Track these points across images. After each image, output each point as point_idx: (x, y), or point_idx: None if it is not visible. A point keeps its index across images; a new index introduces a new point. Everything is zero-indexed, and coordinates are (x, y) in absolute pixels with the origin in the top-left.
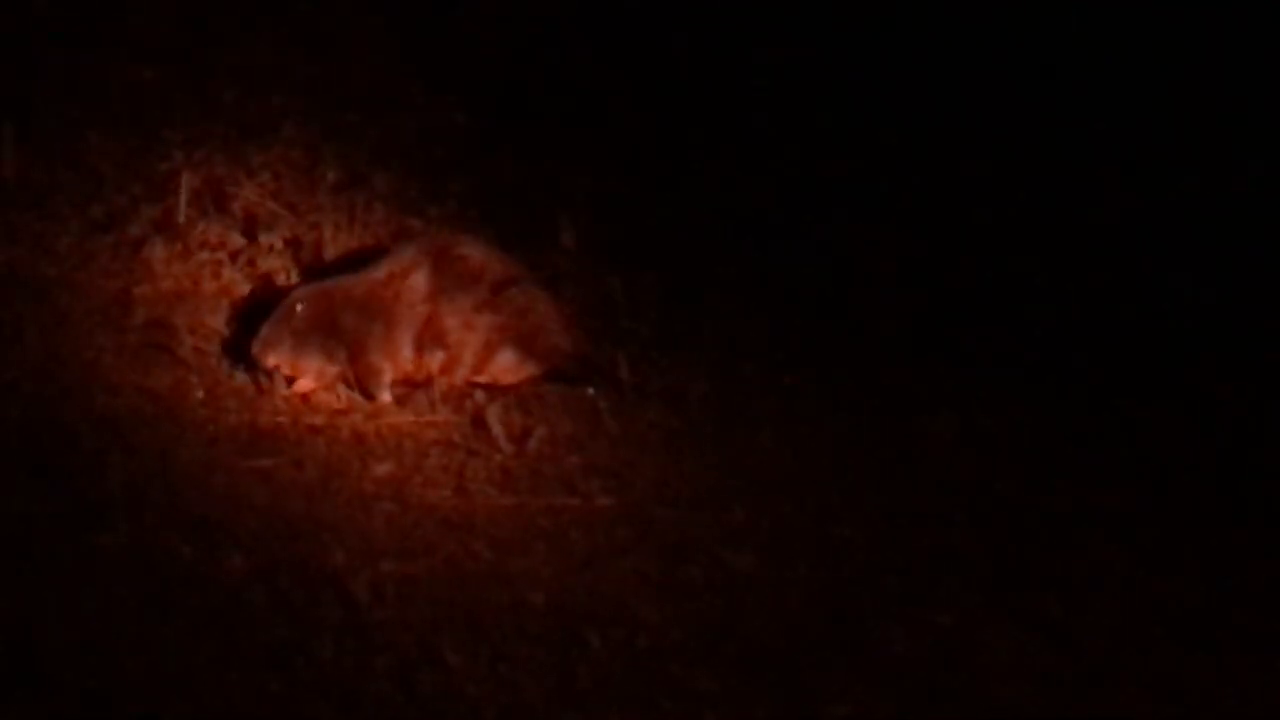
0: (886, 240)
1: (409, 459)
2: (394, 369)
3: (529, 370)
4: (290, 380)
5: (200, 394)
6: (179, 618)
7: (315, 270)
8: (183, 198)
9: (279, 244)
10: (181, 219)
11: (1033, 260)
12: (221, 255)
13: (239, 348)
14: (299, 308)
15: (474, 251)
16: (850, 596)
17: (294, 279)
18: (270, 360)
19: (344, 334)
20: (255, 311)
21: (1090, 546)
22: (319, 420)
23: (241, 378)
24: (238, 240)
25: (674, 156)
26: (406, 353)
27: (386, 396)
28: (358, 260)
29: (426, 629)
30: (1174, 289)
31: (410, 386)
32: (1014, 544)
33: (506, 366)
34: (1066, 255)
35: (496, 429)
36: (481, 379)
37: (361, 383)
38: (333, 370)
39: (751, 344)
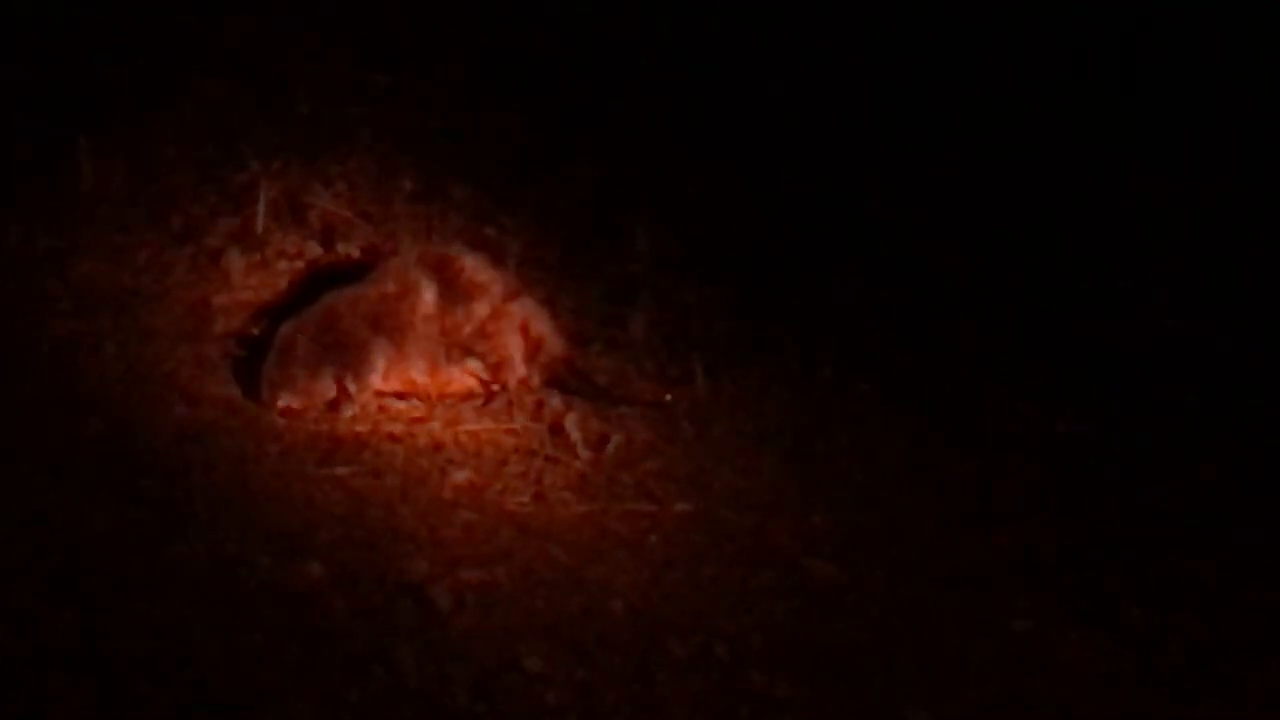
0: (961, 248)
1: (487, 466)
2: (403, 382)
3: (533, 380)
4: (301, 414)
5: (350, 412)
6: (258, 628)
7: (296, 287)
8: (260, 208)
9: (356, 253)
10: (259, 229)
11: (1109, 268)
12: (299, 265)
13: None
14: (300, 340)
15: (474, 265)
16: (928, 603)
17: None
18: (283, 402)
19: (353, 352)
20: None
21: (1171, 553)
22: (397, 428)
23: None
24: (315, 250)
25: (749, 165)
26: (422, 366)
27: (350, 411)
28: (335, 276)
29: (506, 637)
30: (1257, 294)
31: (422, 399)
32: (1092, 550)
33: (514, 377)
34: (1143, 265)
35: (574, 436)
36: (493, 389)
37: (337, 399)
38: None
39: (827, 351)
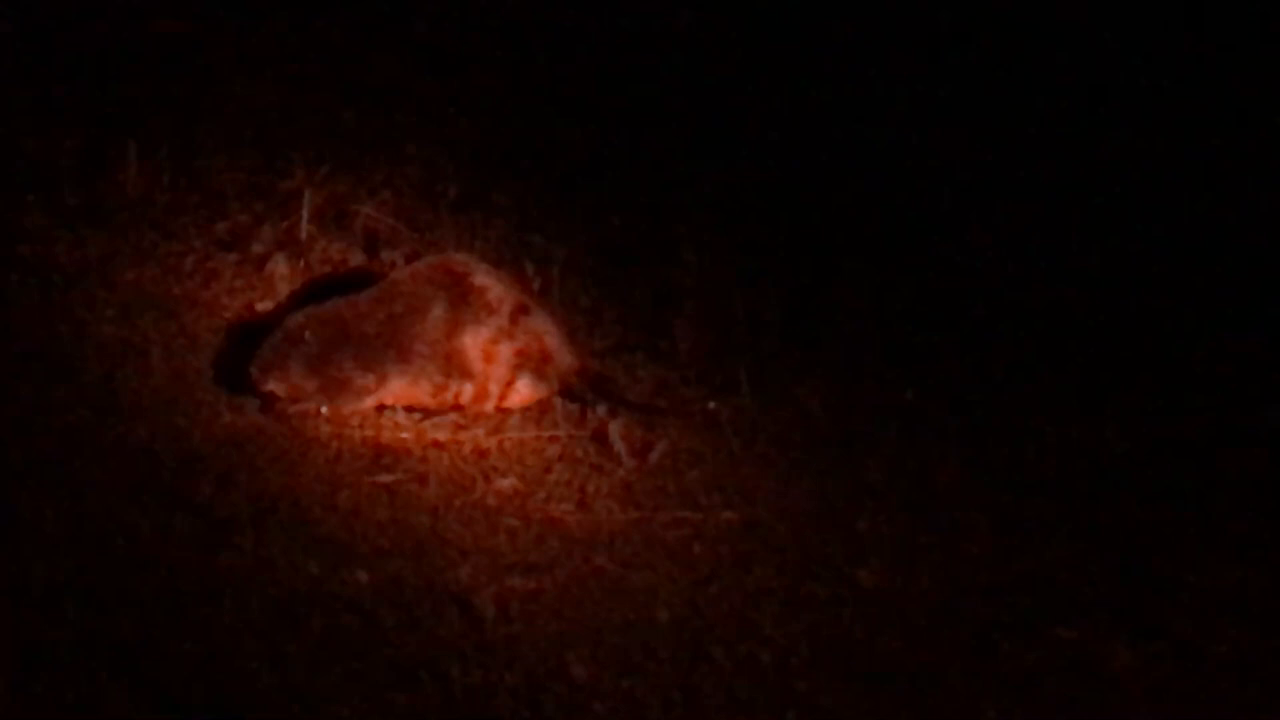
0: (1014, 259)
1: (532, 474)
2: (406, 398)
3: (542, 393)
4: (285, 403)
5: (324, 410)
6: (305, 635)
7: (304, 292)
8: (305, 215)
9: (400, 261)
10: (304, 236)
11: (1155, 275)
12: (385, 275)
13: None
14: (306, 334)
15: (488, 280)
16: (974, 611)
17: None
18: (269, 385)
19: (357, 361)
20: None
21: (1218, 563)
22: (442, 436)
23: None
24: (359, 257)
25: (795, 173)
26: (426, 384)
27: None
28: (345, 282)
29: (552, 644)
30: None
31: (425, 415)
32: (1141, 559)
33: (524, 392)
34: (1197, 275)
35: (618, 444)
36: (505, 404)
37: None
38: (344, 397)
39: (873, 359)
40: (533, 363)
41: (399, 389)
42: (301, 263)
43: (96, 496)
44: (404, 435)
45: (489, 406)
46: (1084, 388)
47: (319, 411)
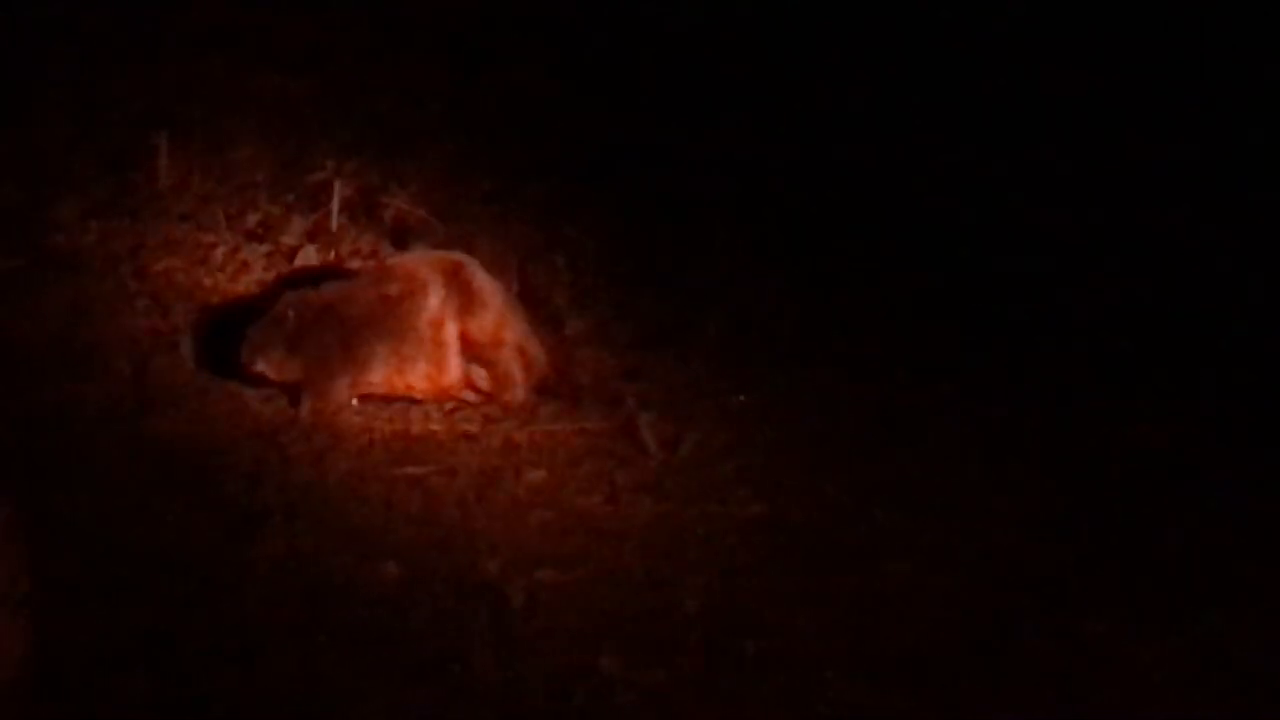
0: (1039, 254)
1: (561, 466)
2: (400, 384)
3: (521, 390)
4: (273, 385)
5: (354, 402)
6: (335, 626)
7: (295, 278)
8: (335, 207)
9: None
10: (334, 228)
11: (1184, 272)
12: (374, 264)
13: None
14: (291, 314)
15: (481, 275)
16: (1003, 605)
17: None
18: (258, 366)
19: (347, 344)
20: None
21: (1243, 560)
22: (472, 428)
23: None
24: (389, 249)
25: (826, 170)
26: (423, 370)
27: (309, 407)
28: (337, 272)
29: (581, 637)
30: None
31: (416, 401)
32: (1166, 555)
33: (514, 388)
34: (1221, 268)
35: (648, 437)
36: (494, 397)
37: (308, 389)
38: (327, 380)
39: (902, 355)
40: (524, 361)
41: (384, 373)
42: (332, 254)
43: (125, 488)
44: (434, 428)
45: (513, 397)
46: (1111, 383)
47: (350, 403)
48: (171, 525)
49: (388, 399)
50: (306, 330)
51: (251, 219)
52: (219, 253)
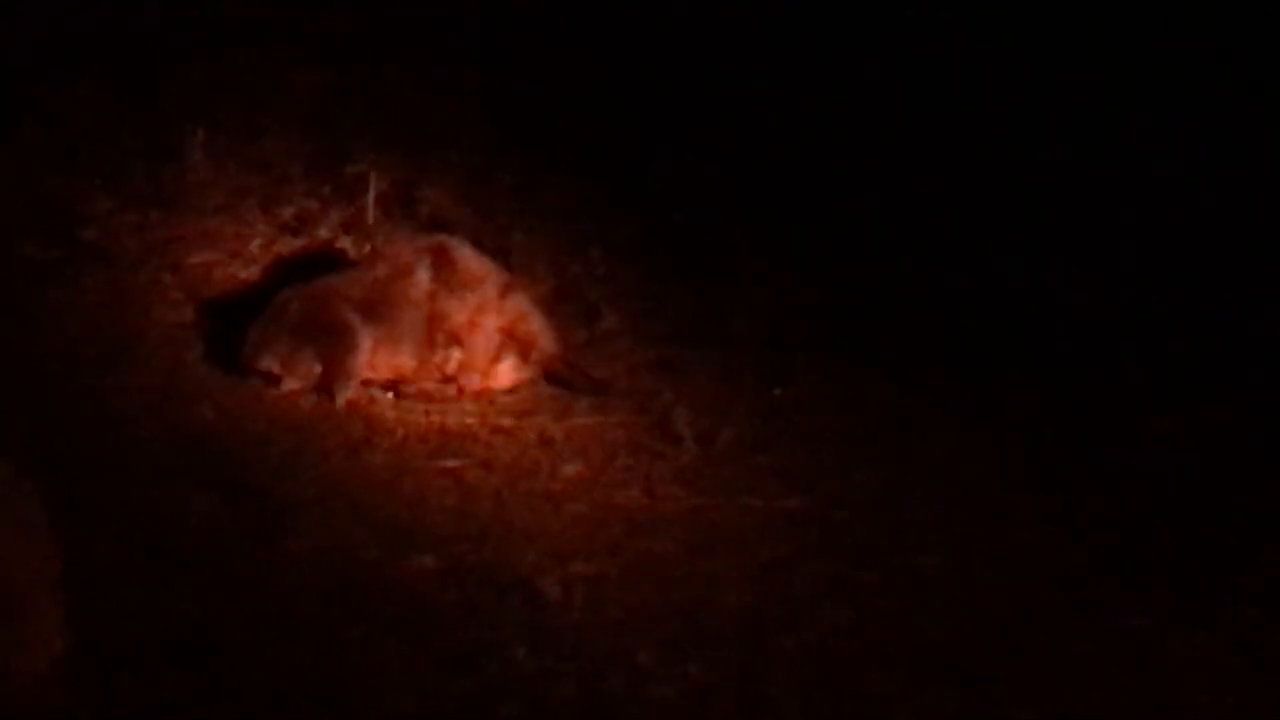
0: (1068, 252)
1: (596, 460)
2: (390, 368)
3: (524, 375)
4: (279, 381)
5: (389, 395)
6: (369, 619)
7: (289, 271)
8: (370, 199)
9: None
10: (370, 221)
11: (1212, 266)
12: (367, 250)
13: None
14: (291, 308)
15: (471, 256)
16: (1035, 599)
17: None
18: (263, 364)
19: (341, 333)
20: None
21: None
22: (507, 421)
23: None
24: (425, 242)
25: (857, 161)
26: (410, 350)
27: (345, 396)
28: (334, 262)
29: (616, 631)
30: None
31: (407, 385)
32: (1202, 549)
33: (507, 373)
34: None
35: (683, 430)
36: (490, 383)
37: (329, 382)
38: (330, 370)
39: (935, 349)
40: (517, 343)
41: (382, 357)
42: (367, 247)
43: (160, 479)
44: (469, 420)
45: (474, 381)
46: (1145, 376)
47: (387, 394)
48: (207, 516)
49: (393, 385)
50: (305, 322)
51: (286, 212)
52: (254, 245)
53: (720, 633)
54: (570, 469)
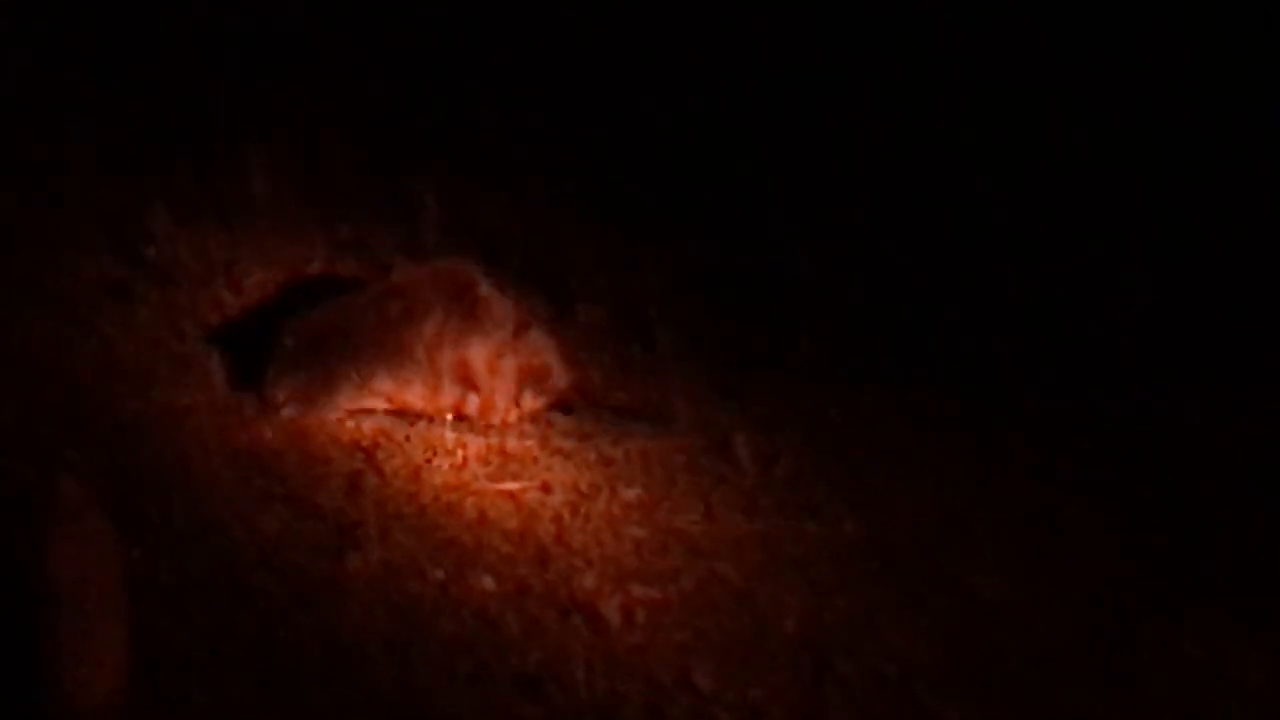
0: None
1: (656, 483)
2: (397, 402)
3: (537, 405)
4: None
5: (449, 416)
6: (430, 641)
7: (299, 294)
8: (427, 219)
9: (521, 263)
10: (427, 241)
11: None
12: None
13: None
14: (290, 341)
15: (492, 293)
16: (1099, 623)
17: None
18: (282, 399)
19: (350, 367)
20: None
21: None
22: (567, 444)
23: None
24: (444, 276)
25: (913, 184)
26: (419, 389)
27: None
28: (340, 285)
29: (677, 654)
30: None
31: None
32: (1268, 570)
33: (526, 406)
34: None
35: (743, 453)
36: (506, 418)
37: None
38: (343, 401)
39: (996, 370)
40: (534, 379)
41: (385, 393)
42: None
43: (223, 498)
44: (529, 443)
45: (496, 420)
46: (1212, 389)
47: (448, 419)
48: (269, 536)
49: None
50: (311, 356)
51: (344, 231)
52: (313, 265)
53: (781, 657)
54: (630, 492)
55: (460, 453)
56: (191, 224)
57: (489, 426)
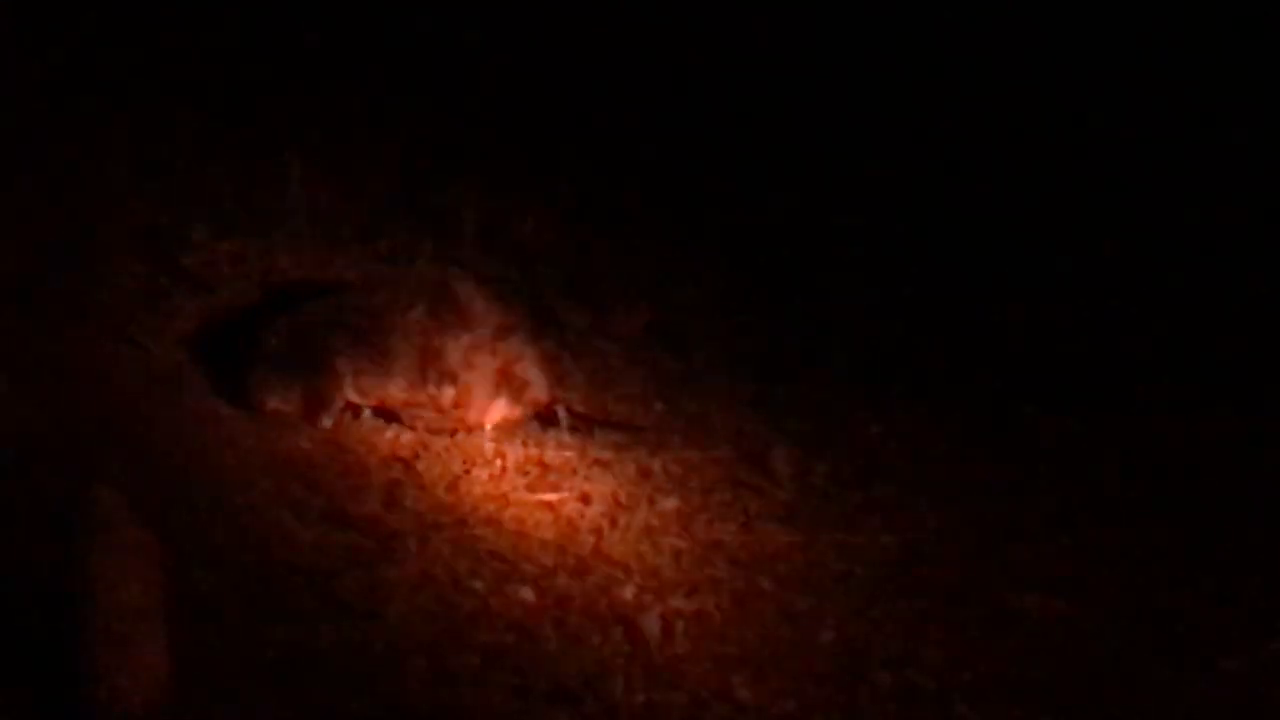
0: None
1: (695, 495)
2: (377, 398)
3: (514, 414)
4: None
5: (489, 427)
6: (468, 652)
7: (278, 295)
8: (464, 231)
9: (557, 276)
10: (464, 254)
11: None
12: (503, 287)
13: None
14: (274, 340)
15: (472, 294)
16: (1135, 639)
17: (570, 308)
18: (272, 403)
19: (336, 361)
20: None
21: None
22: (605, 455)
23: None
24: (517, 273)
25: (950, 197)
26: (400, 381)
27: (328, 422)
28: (323, 288)
29: (716, 666)
30: None
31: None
32: None
33: (499, 410)
34: None
35: (780, 466)
36: (485, 420)
37: (311, 411)
38: (335, 400)
39: (1030, 387)
40: (509, 385)
41: (369, 389)
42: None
43: (261, 509)
44: (568, 454)
45: (471, 417)
46: (1260, 405)
47: (485, 428)
48: (308, 546)
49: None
50: (295, 355)
51: (382, 243)
52: (350, 275)
53: (819, 669)
54: (668, 503)
55: (499, 463)
56: (229, 234)
57: (468, 427)
